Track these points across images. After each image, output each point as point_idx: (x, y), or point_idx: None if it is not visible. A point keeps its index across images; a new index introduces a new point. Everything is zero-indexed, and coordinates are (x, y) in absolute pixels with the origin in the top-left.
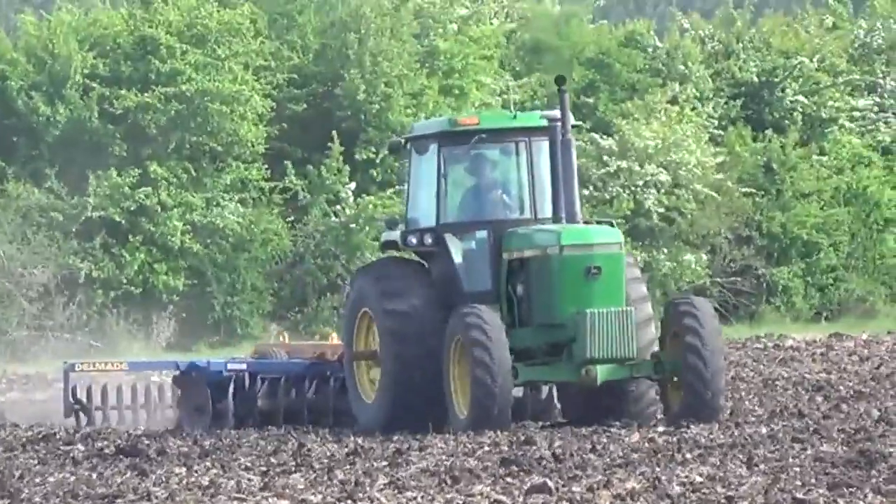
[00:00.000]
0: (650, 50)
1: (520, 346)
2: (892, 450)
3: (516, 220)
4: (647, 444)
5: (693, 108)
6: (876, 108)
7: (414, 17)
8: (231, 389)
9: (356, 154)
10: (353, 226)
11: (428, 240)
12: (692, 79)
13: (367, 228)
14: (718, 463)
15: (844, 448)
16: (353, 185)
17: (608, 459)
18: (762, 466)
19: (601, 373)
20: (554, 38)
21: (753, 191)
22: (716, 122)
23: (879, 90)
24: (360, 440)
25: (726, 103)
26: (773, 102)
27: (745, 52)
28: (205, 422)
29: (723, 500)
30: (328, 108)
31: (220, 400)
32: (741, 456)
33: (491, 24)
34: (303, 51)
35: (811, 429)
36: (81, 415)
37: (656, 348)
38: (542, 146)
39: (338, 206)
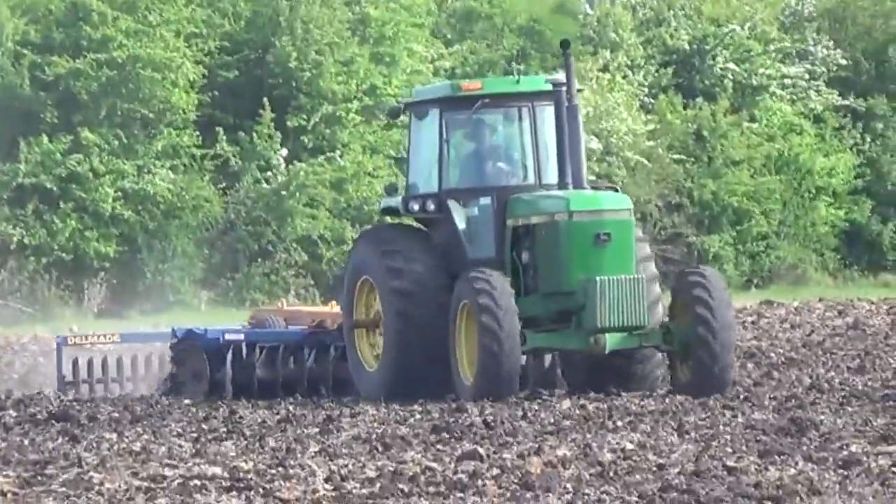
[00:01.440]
0: (581, 17)
1: (526, 314)
2: (822, 417)
3: (520, 187)
4: (577, 412)
5: (624, 76)
6: (807, 76)
7: None
8: (229, 358)
9: (287, 121)
10: (284, 192)
11: (430, 206)
12: (623, 46)
13: (299, 195)
14: (649, 430)
15: (775, 415)
16: (284, 152)
17: (539, 426)
18: (693, 434)
19: (610, 341)
20: (485, 5)
21: (684, 158)
22: (647, 90)
23: (811, 58)
24: (291, 407)
25: (657, 71)
26: (703, 70)
27: (676, 20)
28: (202, 390)
29: (654, 468)
30: (259, 75)
31: (218, 369)
32: (672, 423)
33: None
34: (234, 18)
35: (742, 396)
36: (71, 387)
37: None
38: (547, 111)
39: (269, 173)
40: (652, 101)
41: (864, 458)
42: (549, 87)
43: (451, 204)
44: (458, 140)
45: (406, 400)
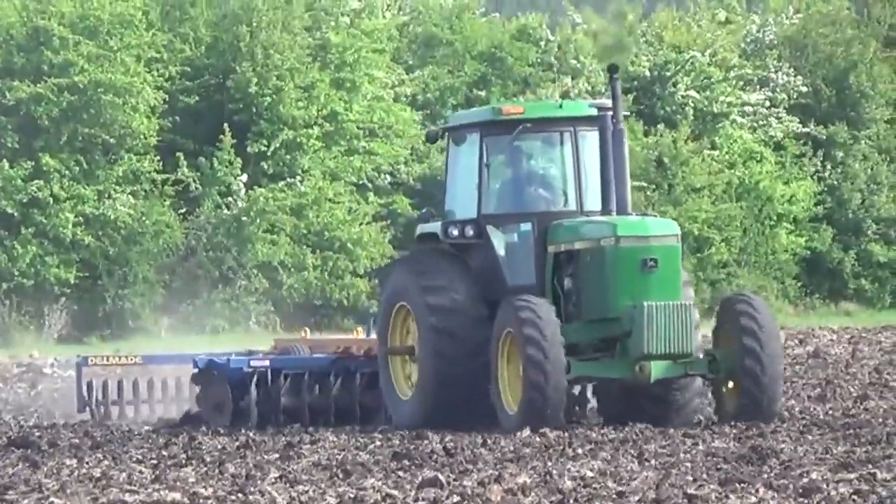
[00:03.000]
0: (542, 44)
1: (568, 342)
2: (783, 445)
3: (561, 213)
4: (538, 439)
5: None
6: (767, 103)
7: (306, 9)
8: (254, 386)
9: (248, 146)
10: (244, 218)
11: (469, 232)
12: (584, 73)
13: (259, 221)
14: (609, 458)
15: (736, 443)
16: (244, 178)
17: (499, 454)
18: (653, 461)
19: (655, 369)
20: (446, 31)
21: (645, 185)
22: None
23: (771, 85)
24: (251, 433)
25: None
26: (664, 97)
27: (637, 47)
28: (225, 420)
29: (614, 495)
30: (220, 100)
31: (242, 397)
32: (632, 451)
33: (383, 17)
34: (195, 43)
35: (703, 424)
36: (95, 409)
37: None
38: (589, 136)
39: (229, 199)
40: None
41: (825, 486)
42: (593, 111)
43: (490, 230)
44: (497, 165)
45: (441, 428)
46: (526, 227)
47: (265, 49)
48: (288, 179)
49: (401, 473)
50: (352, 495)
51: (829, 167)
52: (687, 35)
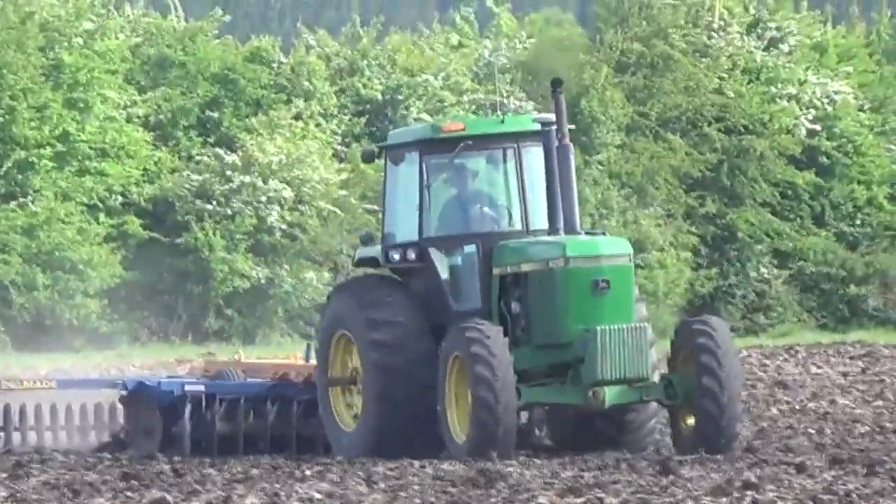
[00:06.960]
0: (275, 66)
1: (517, 368)
2: (511, 469)
3: (506, 233)
4: (267, 460)
5: (317, 125)
6: None
7: (40, 30)
8: (188, 412)
9: None
10: None
11: (411, 255)
12: (317, 95)
13: None
14: (338, 480)
15: (464, 466)
16: None
17: (228, 475)
18: (382, 484)
19: (609, 395)
20: (179, 53)
21: (377, 208)
22: (340, 139)
23: (504, 109)
24: None
25: (350, 120)
26: (396, 120)
27: (369, 70)
28: (154, 446)
29: None
30: None
31: (175, 423)
32: (361, 473)
33: (116, 38)
34: None
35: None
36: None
37: (659, 371)
38: (533, 152)
39: None
40: (345, 149)
41: None
42: (536, 126)
43: (433, 253)
44: (439, 184)
45: (390, 458)
46: (470, 248)
47: None
48: (20, 199)
49: (129, 493)
50: None
51: None
52: (420, 59)
